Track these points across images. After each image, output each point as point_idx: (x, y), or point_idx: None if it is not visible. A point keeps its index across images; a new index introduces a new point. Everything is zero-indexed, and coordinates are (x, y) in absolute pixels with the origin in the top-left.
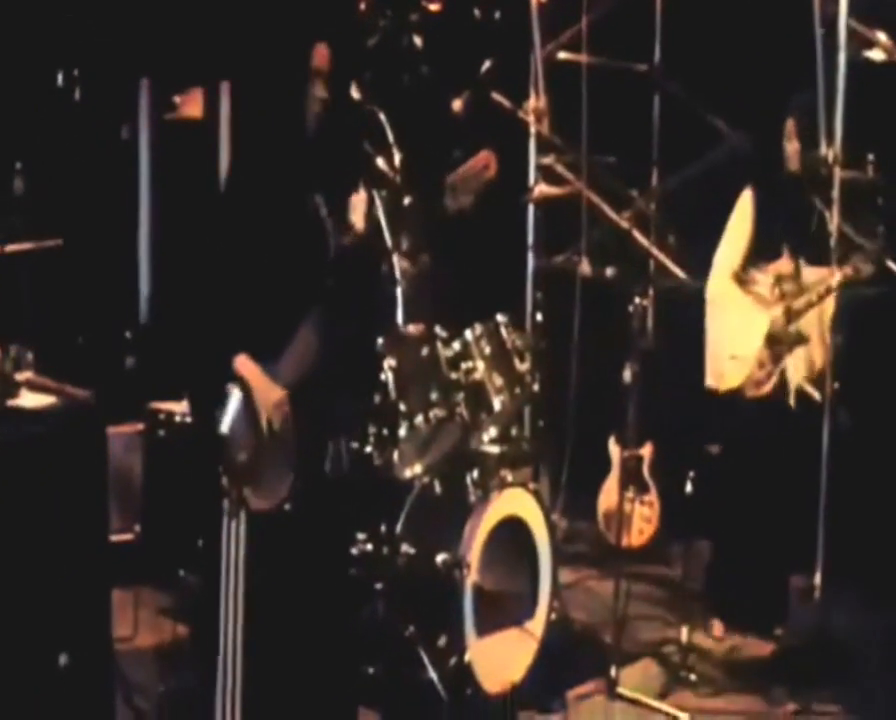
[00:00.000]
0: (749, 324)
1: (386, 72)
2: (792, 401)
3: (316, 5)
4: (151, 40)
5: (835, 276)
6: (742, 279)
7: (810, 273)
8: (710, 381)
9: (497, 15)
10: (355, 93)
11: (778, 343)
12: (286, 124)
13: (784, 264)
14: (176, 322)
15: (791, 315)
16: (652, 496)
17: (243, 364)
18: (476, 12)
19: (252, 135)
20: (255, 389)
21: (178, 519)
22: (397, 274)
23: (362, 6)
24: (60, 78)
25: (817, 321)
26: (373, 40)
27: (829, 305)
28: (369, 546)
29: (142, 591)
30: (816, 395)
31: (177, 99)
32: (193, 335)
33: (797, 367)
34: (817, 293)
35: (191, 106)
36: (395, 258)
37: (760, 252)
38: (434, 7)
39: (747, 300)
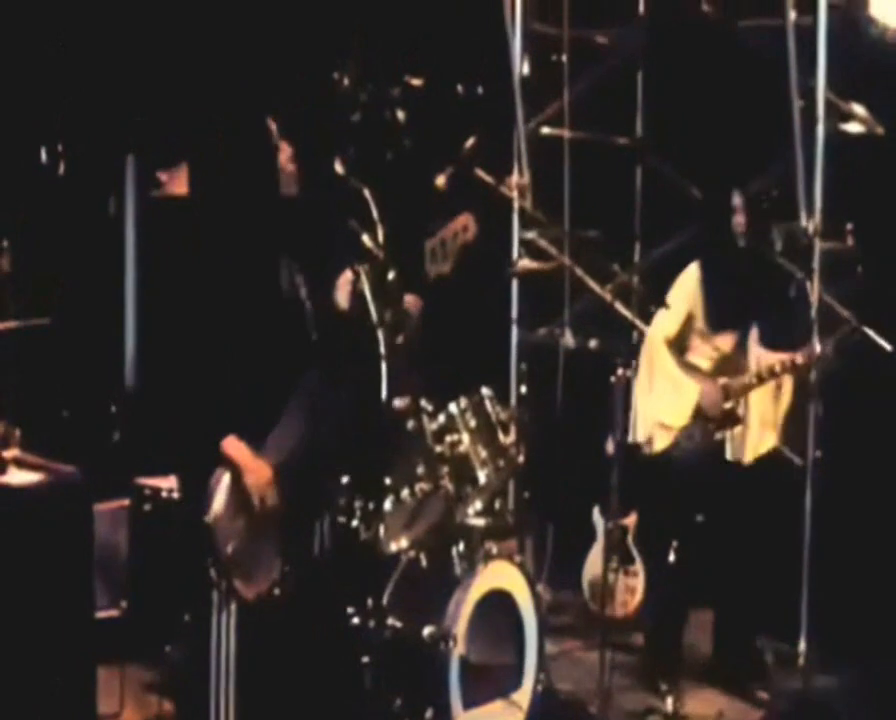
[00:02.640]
0: (679, 395)
1: (369, 147)
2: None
3: (296, 80)
4: (136, 117)
5: (780, 361)
6: (678, 347)
7: (762, 355)
8: (639, 438)
9: (480, 90)
10: (339, 168)
11: (707, 419)
12: (257, 202)
13: (726, 340)
14: (161, 398)
15: (728, 393)
16: (637, 566)
17: (231, 445)
18: (459, 87)
19: (222, 213)
20: (245, 469)
21: (164, 594)
22: (381, 349)
23: (344, 81)
24: (44, 154)
25: (769, 403)
26: (355, 115)
27: (786, 390)
28: (356, 619)
29: (128, 667)
30: (797, 460)
31: (162, 176)
32: (179, 414)
33: (740, 448)
34: (757, 375)
35: (177, 183)
36: (380, 333)
37: (709, 325)
38: (416, 82)
39: (678, 370)
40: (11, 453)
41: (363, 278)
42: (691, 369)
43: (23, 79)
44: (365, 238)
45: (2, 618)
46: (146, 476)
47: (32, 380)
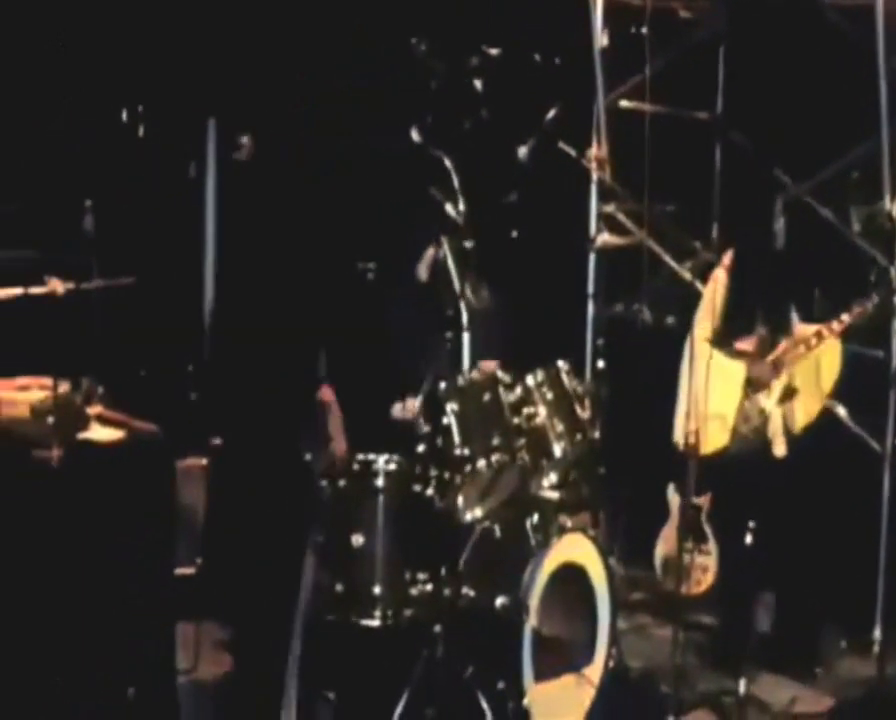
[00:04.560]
0: (727, 377)
1: (447, 116)
2: (780, 451)
3: (377, 47)
4: (218, 80)
5: (830, 325)
6: (719, 341)
7: (803, 328)
8: (679, 438)
9: (557, 61)
10: (415, 136)
11: (759, 386)
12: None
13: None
14: (237, 360)
15: (778, 364)
16: (710, 546)
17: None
18: (536, 57)
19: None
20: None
21: (238, 552)
22: (464, 319)
23: (421, 48)
24: (125, 115)
25: (812, 372)
26: (433, 83)
27: (829, 357)
28: (430, 587)
29: (203, 624)
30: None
31: (243, 139)
32: (252, 376)
33: (791, 418)
34: (804, 342)
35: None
36: (462, 303)
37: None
38: (494, 52)
39: (722, 357)
40: (95, 409)
41: (446, 249)
42: (736, 353)
43: (106, 40)
44: (448, 207)
45: (83, 573)
46: (222, 435)
47: (115, 338)
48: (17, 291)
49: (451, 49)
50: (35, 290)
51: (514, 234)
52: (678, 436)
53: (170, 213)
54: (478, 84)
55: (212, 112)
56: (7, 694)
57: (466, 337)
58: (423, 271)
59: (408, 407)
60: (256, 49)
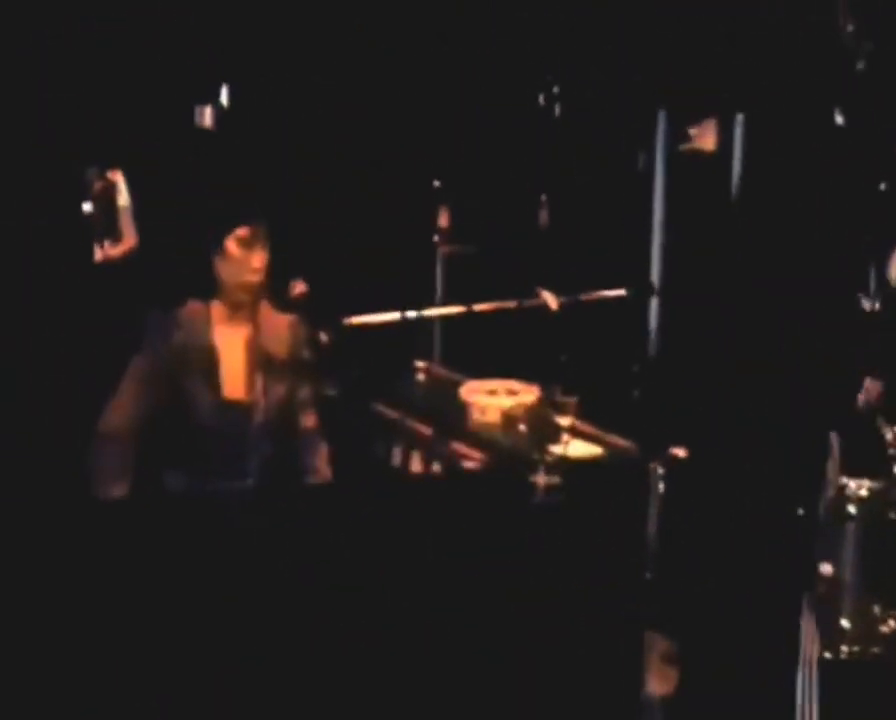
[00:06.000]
0: None
1: (873, 99)
2: None
3: (803, 30)
4: (668, 71)
5: None
6: None
7: None
8: None
9: None
10: (839, 119)
11: None
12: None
13: None
14: (681, 365)
15: None
16: None
17: None
18: None
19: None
20: None
21: (686, 562)
22: None
23: (848, 28)
24: (541, 99)
25: None
26: (859, 64)
27: None
28: None
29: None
30: None
31: (692, 130)
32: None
33: None
34: None
35: (705, 138)
36: None
37: None
38: None
39: None
40: (568, 421)
41: None
42: None
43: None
44: None
45: (553, 600)
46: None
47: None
48: (511, 304)
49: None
50: (528, 303)
51: None
52: None
53: (618, 207)
54: None
55: (663, 102)
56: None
57: None
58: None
59: (868, 389)
60: (702, 35)
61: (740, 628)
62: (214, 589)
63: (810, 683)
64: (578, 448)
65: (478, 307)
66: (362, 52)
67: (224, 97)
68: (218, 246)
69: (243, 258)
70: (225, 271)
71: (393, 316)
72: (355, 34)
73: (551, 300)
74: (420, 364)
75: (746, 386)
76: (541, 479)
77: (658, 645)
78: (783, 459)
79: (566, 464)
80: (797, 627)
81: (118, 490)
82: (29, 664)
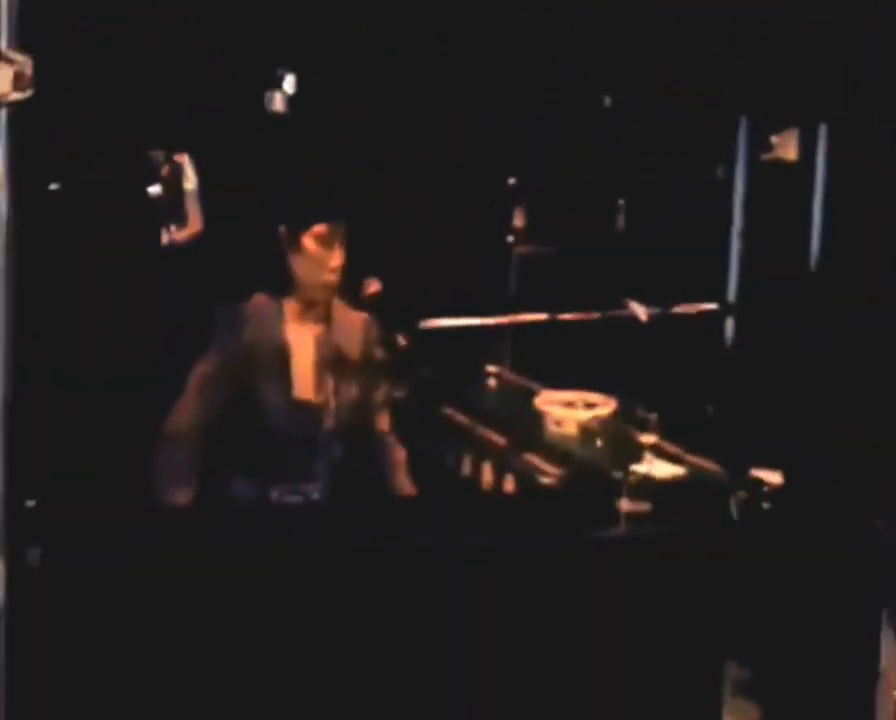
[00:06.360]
0: None
1: None
2: None
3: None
4: (752, 78)
5: None
6: None
7: None
8: None
9: None
10: None
11: None
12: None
13: None
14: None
15: None
16: None
17: None
18: None
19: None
20: None
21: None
22: None
23: None
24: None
25: None
26: None
27: None
28: None
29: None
30: None
31: (774, 139)
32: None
33: None
34: None
35: (786, 148)
36: None
37: None
38: None
39: None
40: (649, 439)
41: None
42: None
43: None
44: None
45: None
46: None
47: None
48: (596, 314)
49: None
50: (615, 313)
51: None
52: None
53: (695, 217)
54: None
55: (745, 110)
56: None
57: None
58: None
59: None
60: (787, 43)
61: (818, 648)
62: (281, 606)
63: (889, 699)
64: (662, 468)
65: (563, 316)
66: (439, 50)
67: (289, 84)
68: (295, 242)
69: (321, 256)
70: (301, 268)
71: (471, 321)
72: (430, 31)
73: (640, 312)
74: (492, 369)
75: (829, 403)
76: (625, 504)
77: (734, 675)
78: (861, 473)
79: (652, 486)
80: (876, 643)
81: (182, 496)
82: (93, 678)
